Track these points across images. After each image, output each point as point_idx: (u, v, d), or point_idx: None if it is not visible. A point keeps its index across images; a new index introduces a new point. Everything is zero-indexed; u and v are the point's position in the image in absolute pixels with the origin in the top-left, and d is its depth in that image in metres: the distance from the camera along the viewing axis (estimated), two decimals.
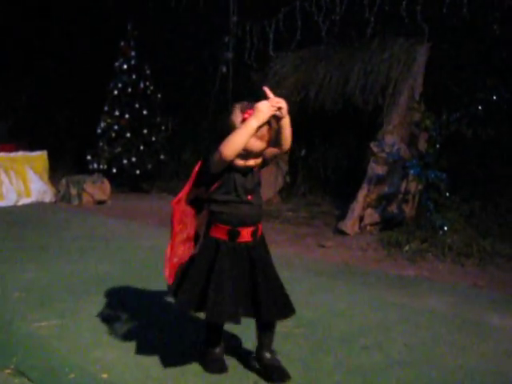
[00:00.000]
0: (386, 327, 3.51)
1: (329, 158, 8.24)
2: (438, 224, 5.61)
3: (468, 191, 6.19)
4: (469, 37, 7.06)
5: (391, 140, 6.48)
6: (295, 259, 5.37)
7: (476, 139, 6.02)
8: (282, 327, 3.44)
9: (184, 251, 2.77)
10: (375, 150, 6.48)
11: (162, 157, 10.70)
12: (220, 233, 2.68)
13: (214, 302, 2.57)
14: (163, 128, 10.91)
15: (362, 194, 6.41)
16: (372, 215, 6.32)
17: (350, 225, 6.28)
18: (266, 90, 2.54)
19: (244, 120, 2.49)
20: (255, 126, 2.45)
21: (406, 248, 5.46)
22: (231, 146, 2.47)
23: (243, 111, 2.54)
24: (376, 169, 6.42)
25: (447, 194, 5.78)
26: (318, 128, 8.26)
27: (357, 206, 6.36)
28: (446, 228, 5.59)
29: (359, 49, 7.90)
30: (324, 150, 8.35)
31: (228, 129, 2.54)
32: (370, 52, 7.67)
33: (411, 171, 5.84)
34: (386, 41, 7.60)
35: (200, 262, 2.68)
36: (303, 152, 8.62)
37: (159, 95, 10.90)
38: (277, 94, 2.58)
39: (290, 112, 2.57)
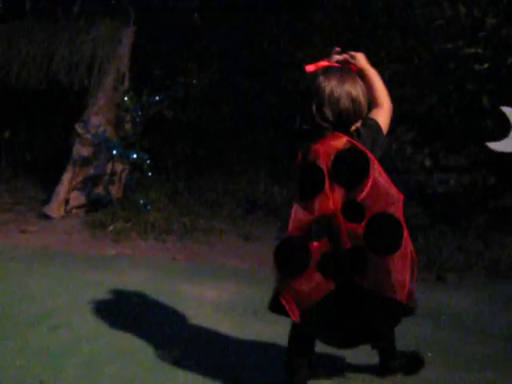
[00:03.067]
0: (79, 306, 3.46)
1: (35, 140, 7.84)
2: (141, 203, 5.74)
3: (171, 171, 6.44)
4: (172, 23, 7.32)
5: (97, 121, 6.40)
6: None
7: (178, 120, 6.27)
8: None
9: None
10: (80, 131, 6.34)
11: None
12: None
13: None
14: None
15: (67, 177, 6.23)
16: (78, 198, 6.18)
17: (55, 208, 6.06)
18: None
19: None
20: None
21: (111, 228, 5.47)
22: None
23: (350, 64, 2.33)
24: (81, 150, 6.28)
25: (150, 174, 5.94)
26: (23, 109, 7.79)
27: (62, 189, 6.16)
28: (148, 207, 5.74)
29: (65, 27, 7.63)
30: (29, 132, 7.91)
31: (361, 99, 2.19)
32: (75, 31, 7.46)
33: (114, 152, 5.86)
34: (93, 21, 7.48)
35: None
36: (7, 134, 8.05)
37: None
38: None
39: None
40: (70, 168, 6.27)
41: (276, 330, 3.17)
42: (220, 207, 6.16)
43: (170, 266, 4.59)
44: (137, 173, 5.95)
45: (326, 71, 2.22)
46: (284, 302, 2.14)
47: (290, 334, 2.38)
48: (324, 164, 2.12)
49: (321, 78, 2.18)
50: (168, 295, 3.75)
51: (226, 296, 3.85)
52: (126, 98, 6.04)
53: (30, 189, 7.34)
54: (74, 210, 6.15)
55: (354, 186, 2.10)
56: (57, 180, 6.45)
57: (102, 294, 3.71)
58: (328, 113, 2.14)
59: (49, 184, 6.88)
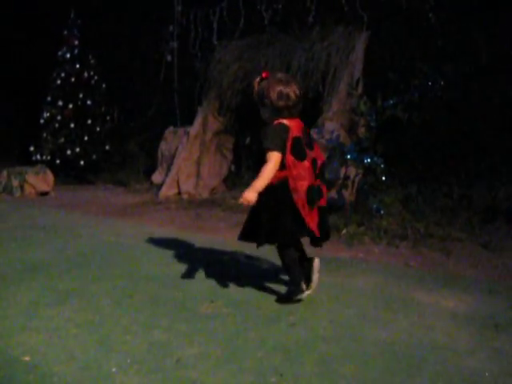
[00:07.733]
0: (315, 305, 3.57)
1: None
2: (375, 208, 5.72)
3: (405, 175, 6.32)
4: (405, 25, 7.21)
5: (331, 126, 6.57)
6: (234, 245, 5.40)
7: (412, 124, 6.14)
8: (209, 308, 3.49)
9: None
10: (315, 136, 6.55)
11: (106, 147, 10.59)
12: None
13: None
14: (108, 118, 10.80)
15: None
16: None
17: None
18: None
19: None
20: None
21: (344, 232, 5.55)
22: None
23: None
24: None
25: (383, 179, 5.90)
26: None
27: None
28: (382, 212, 5.71)
29: (300, 37, 7.97)
30: None
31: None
32: (310, 40, 7.75)
33: (348, 156, 5.94)
34: (326, 29, 7.70)
35: None
36: (247, 140, 8.65)
37: (104, 85, 10.77)
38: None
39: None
40: None
41: None
42: (456, 214, 5.90)
43: (403, 271, 4.51)
44: (370, 177, 5.96)
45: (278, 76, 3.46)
46: (312, 226, 3.34)
47: (284, 256, 3.56)
48: (301, 136, 3.37)
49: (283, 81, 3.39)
50: (401, 301, 3.69)
51: (463, 307, 3.66)
52: (360, 103, 6.09)
53: None
54: None
55: (311, 148, 3.42)
56: None
57: (337, 295, 3.79)
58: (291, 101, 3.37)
59: None
